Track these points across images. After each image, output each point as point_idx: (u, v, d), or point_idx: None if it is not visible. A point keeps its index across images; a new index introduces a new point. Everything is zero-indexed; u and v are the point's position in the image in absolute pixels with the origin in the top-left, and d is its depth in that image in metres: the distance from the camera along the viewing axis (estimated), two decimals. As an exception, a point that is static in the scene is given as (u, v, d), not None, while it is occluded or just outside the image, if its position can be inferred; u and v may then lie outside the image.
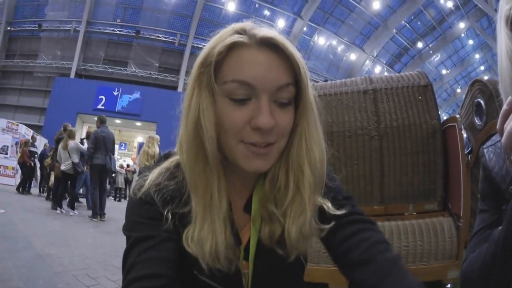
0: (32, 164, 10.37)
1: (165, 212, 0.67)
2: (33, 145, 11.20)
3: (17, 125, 14.74)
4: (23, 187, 10.24)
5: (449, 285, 2.61)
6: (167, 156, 0.78)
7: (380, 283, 0.62)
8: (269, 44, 0.62)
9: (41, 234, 4.55)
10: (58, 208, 6.96)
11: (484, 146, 0.92)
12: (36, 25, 20.74)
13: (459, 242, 2.60)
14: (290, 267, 0.76)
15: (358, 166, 2.75)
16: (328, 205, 0.72)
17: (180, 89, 19.62)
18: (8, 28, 21.33)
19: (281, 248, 0.70)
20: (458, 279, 2.54)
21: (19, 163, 10.62)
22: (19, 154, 13.31)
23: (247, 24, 0.65)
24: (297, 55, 0.63)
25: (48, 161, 8.97)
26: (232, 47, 0.62)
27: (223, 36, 0.64)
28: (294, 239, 0.68)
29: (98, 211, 6.58)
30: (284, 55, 0.62)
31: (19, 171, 12.97)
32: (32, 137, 11.34)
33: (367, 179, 2.74)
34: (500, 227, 0.73)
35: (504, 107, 0.62)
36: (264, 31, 0.63)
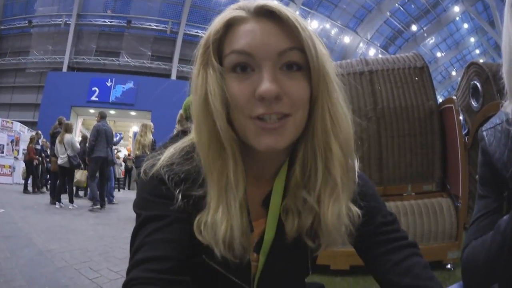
0: (38, 161, 10.14)
1: (176, 192, 0.64)
2: (38, 142, 10.90)
3: (12, 123, 14.66)
4: (34, 186, 9.97)
5: (449, 265, 2.65)
6: (185, 132, 0.75)
7: None
8: (266, 13, 0.60)
9: (41, 230, 4.55)
10: (57, 202, 7.00)
11: (483, 129, 0.88)
12: (26, 22, 20.49)
13: (458, 222, 2.63)
14: (300, 267, 0.75)
15: (356, 148, 2.74)
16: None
17: (173, 76, 19.48)
18: (-1, 27, 21.09)
19: (311, 239, 0.67)
20: (459, 260, 2.57)
21: (25, 161, 10.25)
22: (15, 152, 13.27)
23: (245, 1, 0.62)
24: (297, 19, 0.59)
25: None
26: (231, 24, 0.61)
27: (222, 16, 0.62)
28: (331, 226, 0.63)
29: (99, 201, 6.80)
30: (283, 22, 0.59)
31: (16, 169, 12.93)
32: (37, 133, 11.12)
33: (365, 161, 2.75)
34: (505, 217, 0.72)
35: None
36: (259, 1, 0.60)
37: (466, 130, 4.16)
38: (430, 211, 2.66)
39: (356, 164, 0.71)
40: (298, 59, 0.60)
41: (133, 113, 18.63)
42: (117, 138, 9.00)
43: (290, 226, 0.66)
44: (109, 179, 7.65)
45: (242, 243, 0.62)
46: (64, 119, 8.02)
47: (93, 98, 17.80)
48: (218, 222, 0.61)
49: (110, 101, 17.90)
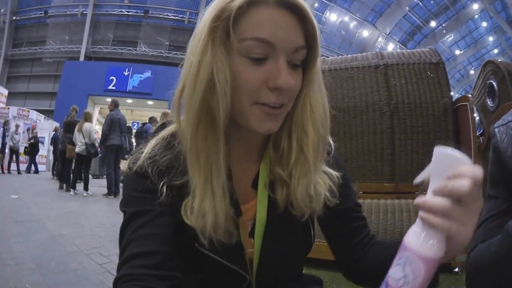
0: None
1: (161, 185, 0.64)
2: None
3: (28, 111, 14.94)
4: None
5: (456, 269, 2.58)
6: (163, 126, 0.75)
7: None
8: (288, 5, 0.59)
9: (55, 216, 4.60)
10: (72, 190, 7.15)
11: (495, 126, 0.86)
12: (42, 12, 20.83)
13: (469, 225, 2.59)
14: (298, 245, 0.75)
15: (369, 142, 2.73)
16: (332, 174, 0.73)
17: (191, 66, 19.63)
18: (14, 18, 21.43)
19: (294, 209, 0.70)
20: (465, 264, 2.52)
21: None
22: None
23: None
24: (314, 18, 0.62)
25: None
26: (251, 4, 0.58)
27: None
28: (301, 199, 0.67)
29: (113, 189, 6.91)
30: (301, 17, 0.60)
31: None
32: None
33: (378, 156, 2.72)
34: None
35: None
36: None
37: (481, 131, 4.08)
38: (442, 211, 2.62)
39: (333, 146, 0.78)
40: (303, 57, 0.63)
41: (150, 102, 18.76)
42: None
43: (280, 196, 0.69)
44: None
45: (226, 228, 0.63)
46: (77, 108, 8.10)
47: (111, 87, 18.01)
48: (206, 210, 0.61)
49: (127, 90, 18.09)
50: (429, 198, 0.49)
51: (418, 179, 0.52)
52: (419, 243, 0.50)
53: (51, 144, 11.17)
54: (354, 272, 0.79)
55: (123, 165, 7.54)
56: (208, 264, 0.67)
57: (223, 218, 0.62)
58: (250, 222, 0.72)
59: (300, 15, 0.60)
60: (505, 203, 0.80)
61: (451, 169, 0.48)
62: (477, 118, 4.22)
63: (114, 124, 6.85)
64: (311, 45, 0.62)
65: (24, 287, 2.21)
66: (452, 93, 2.93)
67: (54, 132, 12.39)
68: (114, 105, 7.16)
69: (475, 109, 4.08)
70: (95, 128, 9.11)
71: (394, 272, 0.53)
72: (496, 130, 0.84)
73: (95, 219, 4.71)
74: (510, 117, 0.83)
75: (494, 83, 3.77)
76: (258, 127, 0.63)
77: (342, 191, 0.74)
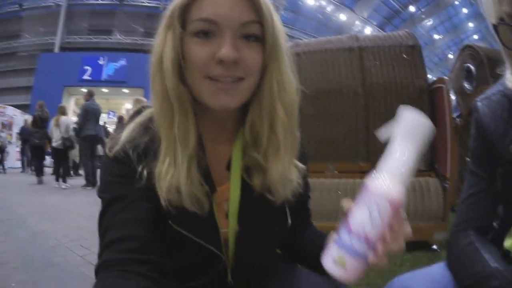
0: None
1: (140, 168, 0.66)
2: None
3: (5, 107, 14.55)
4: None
5: (435, 246, 2.66)
6: (139, 112, 0.76)
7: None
8: None
9: (35, 211, 4.59)
10: (57, 182, 7.14)
11: (477, 100, 0.84)
12: (17, 6, 20.21)
13: (446, 203, 2.63)
14: (273, 225, 0.76)
15: (344, 123, 2.76)
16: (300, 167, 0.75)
17: (166, 52, 19.48)
18: (-12, 13, 20.72)
19: (271, 193, 0.71)
20: (445, 242, 2.59)
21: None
22: (8, 136, 13.14)
23: None
24: None
25: None
26: None
27: None
28: (277, 183, 0.69)
29: (91, 180, 6.87)
30: None
31: (10, 153, 12.80)
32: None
33: (353, 137, 2.76)
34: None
35: None
36: None
37: (458, 113, 4.17)
38: (417, 190, 2.66)
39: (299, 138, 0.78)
40: (256, 31, 0.65)
41: (125, 90, 18.57)
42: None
43: (256, 182, 0.71)
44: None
45: (192, 193, 0.65)
46: (43, 103, 7.94)
47: (85, 77, 17.78)
48: (163, 172, 0.64)
49: (102, 79, 17.97)
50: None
51: (383, 135, 0.56)
52: (385, 186, 0.52)
53: (21, 139, 10.84)
54: (289, 251, 0.87)
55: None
56: (184, 244, 0.68)
57: (187, 183, 0.64)
58: (227, 203, 0.72)
59: None
60: (487, 181, 0.80)
61: (414, 131, 0.54)
62: (454, 100, 4.31)
63: (89, 114, 6.83)
64: (264, 20, 0.65)
65: (10, 286, 2.19)
66: (430, 76, 2.97)
67: (23, 126, 11.96)
68: (90, 95, 7.14)
69: (451, 91, 4.17)
70: (72, 119, 8.96)
71: (359, 218, 0.53)
72: (479, 104, 0.82)
73: (75, 211, 4.70)
74: (494, 90, 0.82)
75: (472, 67, 3.86)
76: (212, 102, 0.65)
77: (304, 182, 0.79)
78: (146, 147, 0.67)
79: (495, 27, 0.66)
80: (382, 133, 0.56)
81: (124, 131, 0.70)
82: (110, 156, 0.68)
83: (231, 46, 0.62)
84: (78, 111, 17.43)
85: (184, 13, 0.65)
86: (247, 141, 0.71)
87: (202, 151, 0.69)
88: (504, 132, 0.75)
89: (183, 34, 0.65)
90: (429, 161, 2.83)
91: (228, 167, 0.72)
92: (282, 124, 0.68)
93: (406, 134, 0.54)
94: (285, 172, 0.70)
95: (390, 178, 0.53)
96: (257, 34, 0.65)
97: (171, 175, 0.64)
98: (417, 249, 2.60)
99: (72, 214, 4.48)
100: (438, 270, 0.82)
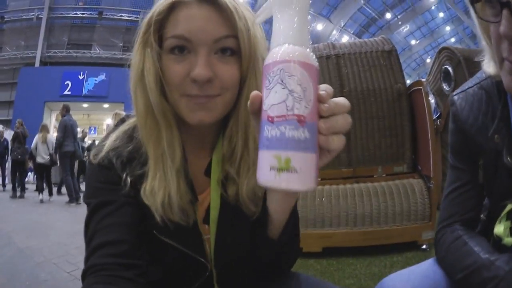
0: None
1: (124, 176, 0.67)
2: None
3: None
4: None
5: (424, 246, 2.69)
6: (123, 120, 0.76)
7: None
8: (208, 0, 0.63)
9: (20, 228, 4.53)
10: (40, 194, 7.22)
11: (454, 94, 0.83)
12: (-1, 18, 19.83)
13: (431, 203, 2.67)
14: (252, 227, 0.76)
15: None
16: None
17: (146, 67, 19.30)
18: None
19: (245, 206, 0.70)
20: (433, 240, 2.60)
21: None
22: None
23: None
24: (236, 7, 0.63)
25: None
26: (175, 6, 0.63)
27: None
28: (247, 198, 0.68)
29: (74, 195, 6.81)
30: (222, 9, 0.63)
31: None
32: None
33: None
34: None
35: None
36: None
37: (438, 114, 4.25)
38: (402, 192, 2.69)
39: None
40: (232, 45, 0.64)
41: (106, 105, 18.28)
42: None
43: (230, 192, 0.70)
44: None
45: (181, 206, 0.66)
46: (22, 121, 8.34)
47: (66, 92, 17.47)
48: (156, 188, 0.64)
49: (82, 95, 17.64)
50: None
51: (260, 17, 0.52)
52: (289, 52, 0.43)
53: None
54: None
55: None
56: (170, 253, 0.68)
57: (177, 197, 0.65)
58: (205, 209, 0.73)
59: (220, 8, 0.63)
60: (468, 173, 0.80)
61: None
62: (434, 101, 4.40)
63: (67, 131, 6.77)
64: (240, 36, 0.64)
65: (-4, 303, 2.16)
66: (408, 81, 3.03)
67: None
68: (66, 110, 7.05)
69: (430, 93, 4.24)
70: (53, 135, 8.97)
71: (272, 99, 0.43)
72: (456, 97, 0.82)
73: (59, 227, 4.64)
74: (470, 83, 0.81)
75: (449, 68, 3.94)
76: (190, 118, 0.65)
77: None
78: (129, 156, 0.68)
79: (472, 1, 0.65)
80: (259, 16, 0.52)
81: (108, 139, 0.71)
82: (95, 163, 0.69)
83: (204, 65, 0.61)
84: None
85: (159, 28, 0.65)
86: (225, 154, 0.71)
87: (186, 163, 0.69)
88: (482, 124, 0.75)
89: (160, 51, 0.65)
90: (412, 163, 2.88)
91: (206, 173, 0.72)
92: (253, 139, 0.68)
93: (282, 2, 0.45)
94: (256, 189, 0.68)
95: (290, 46, 0.44)
96: (233, 47, 0.64)
97: (162, 191, 0.64)
98: (407, 250, 2.64)
99: (56, 230, 4.41)
100: (429, 266, 0.82)
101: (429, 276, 0.78)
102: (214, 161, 0.72)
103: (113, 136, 0.71)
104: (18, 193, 7.91)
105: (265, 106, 0.44)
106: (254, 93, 0.46)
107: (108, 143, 0.70)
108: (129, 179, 0.66)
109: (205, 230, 0.72)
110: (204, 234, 0.71)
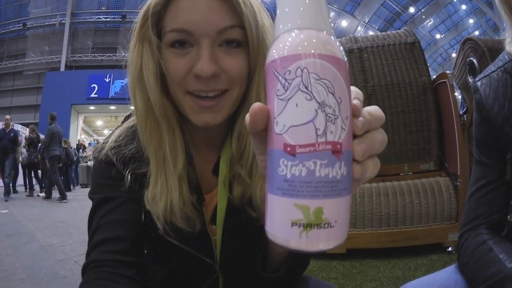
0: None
1: (126, 172, 0.65)
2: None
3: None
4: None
5: (450, 248, 2.59)
6: (128, 116, 0.75)
7: None
8: None
9: (44, 227, 4.66)
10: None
11: (477, 79, 0.75)
12: (21, 25, 20.64)
13: (458, 202, 2.56)
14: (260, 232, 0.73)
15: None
16: None
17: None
18: (-7, 32, 21.20)
19: (253, 210, 0.66)
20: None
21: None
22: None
23: None
24: None
25: None
26: None
27: None
28: (260, 202, 0.63)
29: (65, 192, 7.66)
30: None
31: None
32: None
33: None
34: None
35: None
36: None
37: (464, 109, 4.09)
38: (428, 191, 2.60)
39: None
40: (238, 36, 0.59)
41: (132, 107, 18.73)
42: None
43: (236, 193, 0.66)
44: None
45: (184, 214, 0.62)
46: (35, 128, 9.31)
47: (93, 95, 17.99)
48: (158, 196, 0.62)
49: (109, 97, 18.05)
50: None
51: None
52: (326, 42, 0.30)
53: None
54: None
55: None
56: (176, 253, 0.67)
57: (180, 204, 0.62)
58: (212, 209, 0.71)
59: None
60: (495, 170, 0.72)
61: None
62: (460, 96, 4.25)
63: (54, 137, 7.52)
64: (245, 23, 0.58)
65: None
66: (434, 76, 2.92)
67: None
68: (51, 118, 7.76)
69: (456, 87, 4.10)
70: (81, 137, 9.84)
71: (292, 116, 0.29)
72: (479, 83, 0.74)
73: (83, 226, 4.68)
74: (493, 67, 0.74)
75: (474, 60, 3.79)
76: (195, 119, 0.61)
77: None
78: (132, 153, 0.67)
79: None
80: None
81: (111, 135, 0.70)
82: (98, 159, 0.68)
83: (208, 59, 0.56)
84: (86, 129, 17.58)
85: (157, 21, 0.60)
86: (234, 154, 0.66)
87: (191, 167, 0.66)
88: (509, 112, 0.67)
89: (160, 45, 0.60)
90: (439, 160, 2.77)
91: (214, 171, 0.69)
92: None
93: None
94: None
95: (313, 32, 0.30)
96: (239, 39, 0.59)
97: (164, 199, 0.61)
98: (432, 253, 2.56)
99: (80, 228, 4.53)
100: (450, 274, 0.75)
101: (450, 286, 0.73)
102: (222, 161, 0.68)
103: (116, 133, 0.70)
104: (44, 194, 8.34)
105: (278, 127, 0.29)
106: (257, 106, 0.31)
107: (111, 140, 0.69)
108: (129, 176, 0.65)
109: (213, 231, 0.70)
110: (212, 235, 0.69)
